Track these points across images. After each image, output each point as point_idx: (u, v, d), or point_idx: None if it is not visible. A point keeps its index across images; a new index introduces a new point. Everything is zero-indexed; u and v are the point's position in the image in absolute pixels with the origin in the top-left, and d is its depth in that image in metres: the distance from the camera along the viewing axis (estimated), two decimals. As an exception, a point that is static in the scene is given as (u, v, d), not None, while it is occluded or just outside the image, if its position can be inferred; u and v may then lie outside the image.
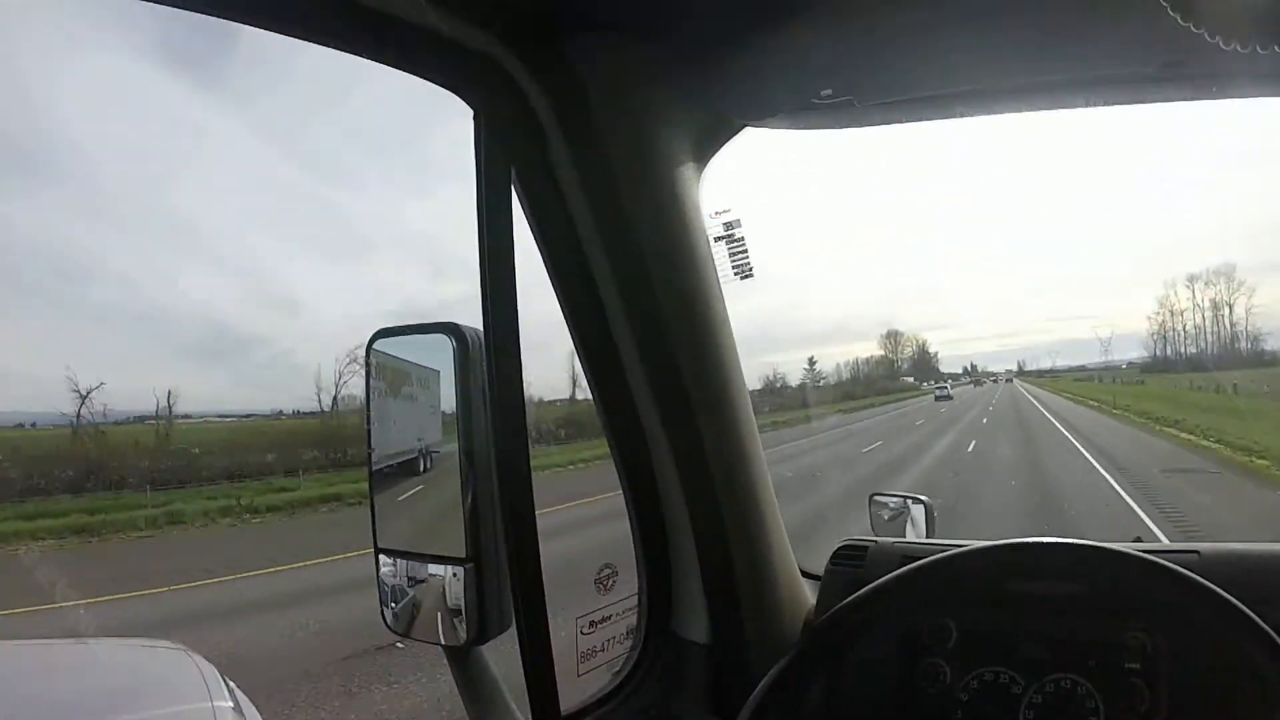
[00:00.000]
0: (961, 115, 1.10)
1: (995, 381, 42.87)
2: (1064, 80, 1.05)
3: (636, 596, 1.18)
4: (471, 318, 0.83)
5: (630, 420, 1.09)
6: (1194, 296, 29.89)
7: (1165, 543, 1.23)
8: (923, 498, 1.62)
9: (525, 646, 0.85)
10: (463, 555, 0.82)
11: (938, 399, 31.01)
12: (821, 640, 1.08)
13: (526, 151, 0.94)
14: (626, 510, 1.16)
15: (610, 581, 1.26)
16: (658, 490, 1.12)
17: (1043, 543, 1.01)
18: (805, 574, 1.29)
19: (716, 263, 1.11)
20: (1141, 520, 7.99)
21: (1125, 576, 0.98)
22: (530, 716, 0.88)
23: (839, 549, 1.27)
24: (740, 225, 1.27)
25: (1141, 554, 0.97)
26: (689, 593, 1.15)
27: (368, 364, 0.90)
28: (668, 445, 1.08)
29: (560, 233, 1.00)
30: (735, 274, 1.24)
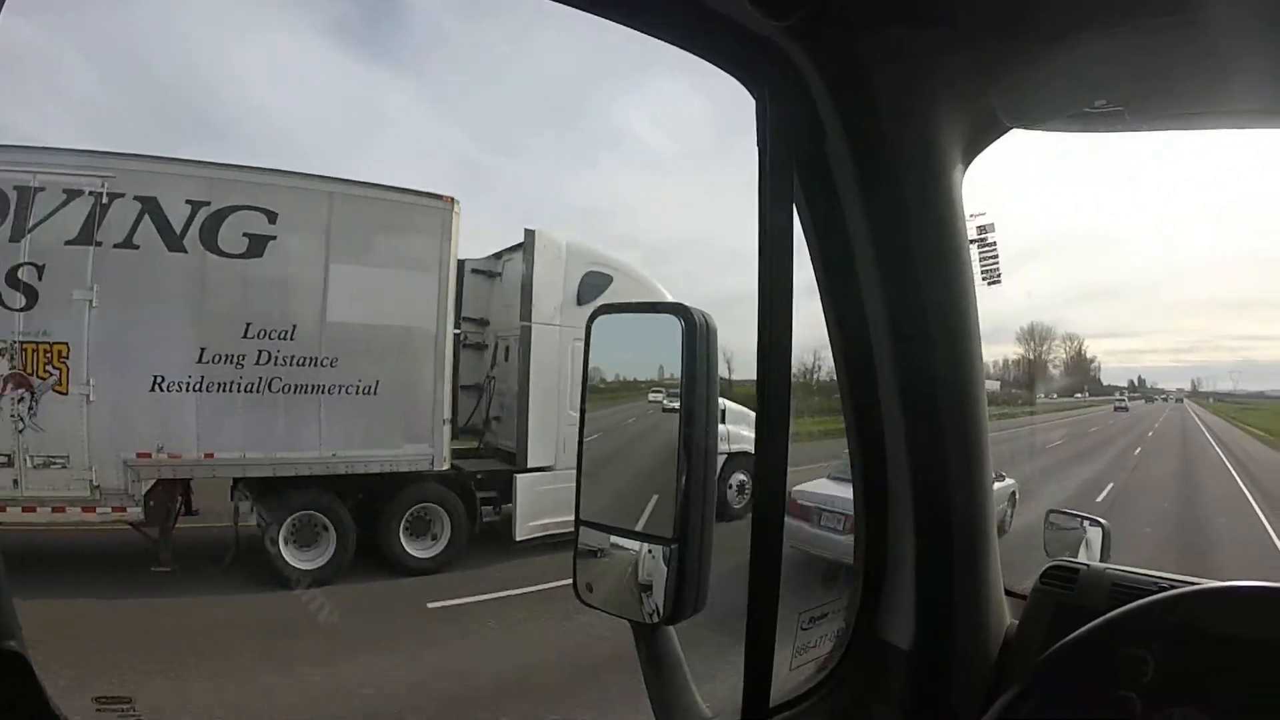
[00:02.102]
0: (1228, 127, 1.10)
1: (1165, 400, 45.07)
2: None
3: (850, 596, 1.18)
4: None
5: (874, 420, 1.10)
6: None
7: None
8: (1101, 520, 1.65)
9: (751, 635, 0.89)
10: (669, 535, 0.82)
11: (1116, 409, 36.23)
12: (1052, 670, 1.02)
13: (806, 142, 0.95)
14: (854, 509, 1.18)
15: (837, 578, 1.53)
16: (888, 494, 1.12)
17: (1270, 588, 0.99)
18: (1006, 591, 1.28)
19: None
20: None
21: None
22: (738, 701, 0.92)
23: (1049, 569, 1.26)
24: (994, 229, 1.26)
25: None
26: (901, 599, 1.14)
27: (587, 341, 0.89)
28: (906, 450, 1.09)
29: (831, 225, 1.01)
30: (984, 279, 1.21)
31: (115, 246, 5.25)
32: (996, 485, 4.53)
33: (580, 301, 6.51)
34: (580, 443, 0.91)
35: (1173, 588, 1.08)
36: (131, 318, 5.25)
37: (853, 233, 1.00)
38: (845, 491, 3.68)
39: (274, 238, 5.60)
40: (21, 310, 5.05)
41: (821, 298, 1.06)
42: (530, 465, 6.35)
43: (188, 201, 5.40)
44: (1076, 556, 1.54)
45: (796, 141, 0.92)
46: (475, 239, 7.32)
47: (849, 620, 1.19)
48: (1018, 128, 1.09)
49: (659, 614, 0.84)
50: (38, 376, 5.06)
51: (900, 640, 1.14)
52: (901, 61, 0.92)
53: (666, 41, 0.85)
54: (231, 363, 5.45)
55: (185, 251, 5.38)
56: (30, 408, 5.04)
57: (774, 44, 0.86)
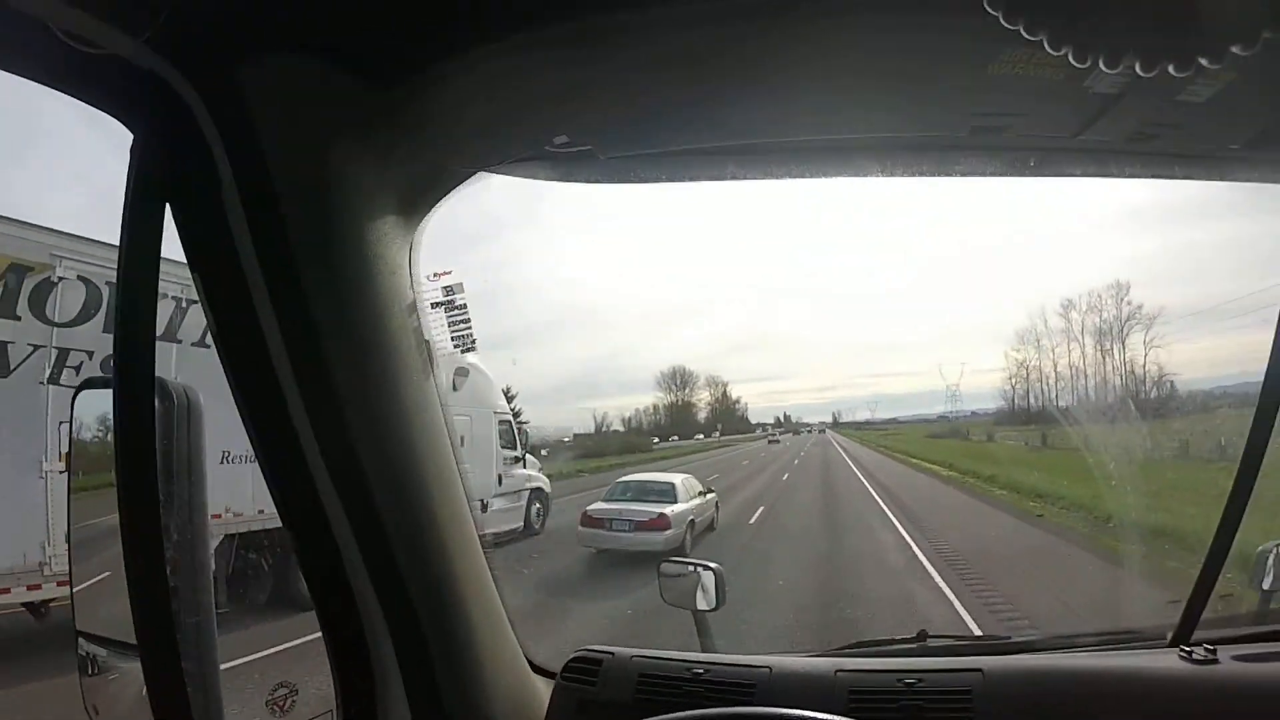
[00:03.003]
0: (734, 177, 0.99)
1: (810, 431, 50.65)
2: (856, 142, 0.97)
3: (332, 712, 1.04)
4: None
5: (317, 520, 0.95)
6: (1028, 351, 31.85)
7: (976, 630, 1.32)
8: (712, 565, 1.63)
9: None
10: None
11: (770, 443, 41.48)
12: None
13: (190, 189, 0.78)
14: (317, 618, 1.01)
15: (287, 702, 1.05)
16: (352, 592, 0.97)
17: (760, 714, 1.02)
18: (538, 669, 1.23)
19: (433, 332, 0.94)
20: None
21: None
22: None
23: (571, 661, 1.22)
24: (462, 290, 1.23)
25: None
26: (394, 704, 1.01)
27: (71, 420, 0.93)
28: (356, 545, 0.95)
29: (230, 297, 0.83)
30: (456, 346, 1.08)
31: (192, 345, 6.69)
32: (705, 497, 10.73)
33: (454, 390, 10.18)
34: (69, 538, 0.91)
35: (698, 675, 1.13)
36: (206, 404, 6.73)
37: (256, 303, 0.82)
38: (621, 507, 9.14)
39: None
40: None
41: (228, 377, 0.88)
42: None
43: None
44: (694, 603, 1.62)
45: (179, 185, 0.76)
46: None
47: None
48: (475, 171, 0.95)
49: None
50: None
51: None
52: (302, 94, 0.75)
53: (34, 79, 0.68)
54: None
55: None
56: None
57: (152, 74, 0.69)
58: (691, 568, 1.67)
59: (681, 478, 10.89)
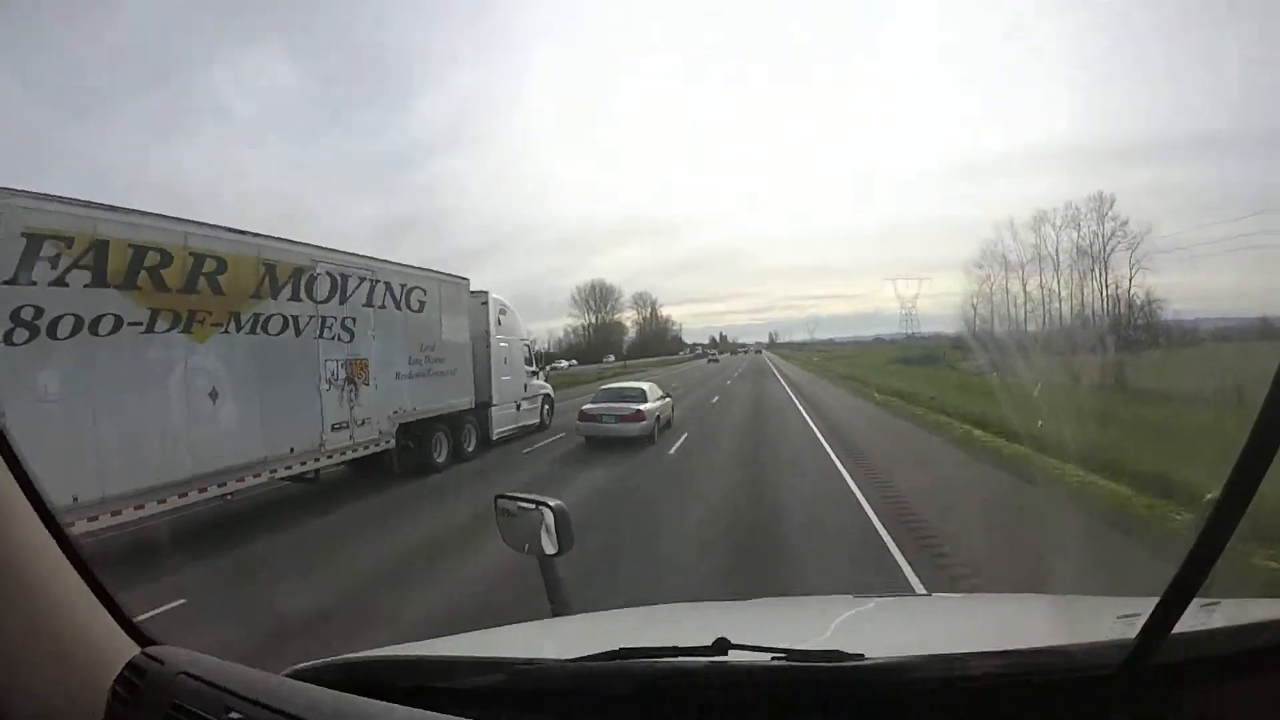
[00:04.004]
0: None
1: (747, 352, 53.20)
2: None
3: None
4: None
5: None
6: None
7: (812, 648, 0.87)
8: (550, 502, 1.49)
9: None
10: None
11: (709, 361, 45.05)
12: None
13: None
14: None
15: None
16: None
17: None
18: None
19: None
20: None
21: None
22: None
23: (127, 668, 0.95)
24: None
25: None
26: None
27: None
28: None
29: None
30: None
31: (378, 308, 10.27)
32: (664, 400, 15.75)
33: (499, 325, 14.04)
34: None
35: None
36: (387, 345, 10.39)
37: None
38: (607, 406, 13.51)
39: (425, 302, 11.36)
40: (348, 343, 9.71)
41: None
42: (493, 403, 13.67)
43: (400, 285, 10.74)
44: (539, 545, 1.46)
45: None
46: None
47: None
48: None
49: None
50: (357, 376, 9.87)
51: None
52: None
53: None
54: (420, 363, 11.12)
55: (400, 310, 10.71)
56: (354, 392, 9.82)
57: None
58: (533, 505, 1.51)
59: (649, 384, 14.92)
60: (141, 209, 6.90)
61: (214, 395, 7.45)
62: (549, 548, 1.48)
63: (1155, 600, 0.72)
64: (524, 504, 1.55)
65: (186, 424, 7.10)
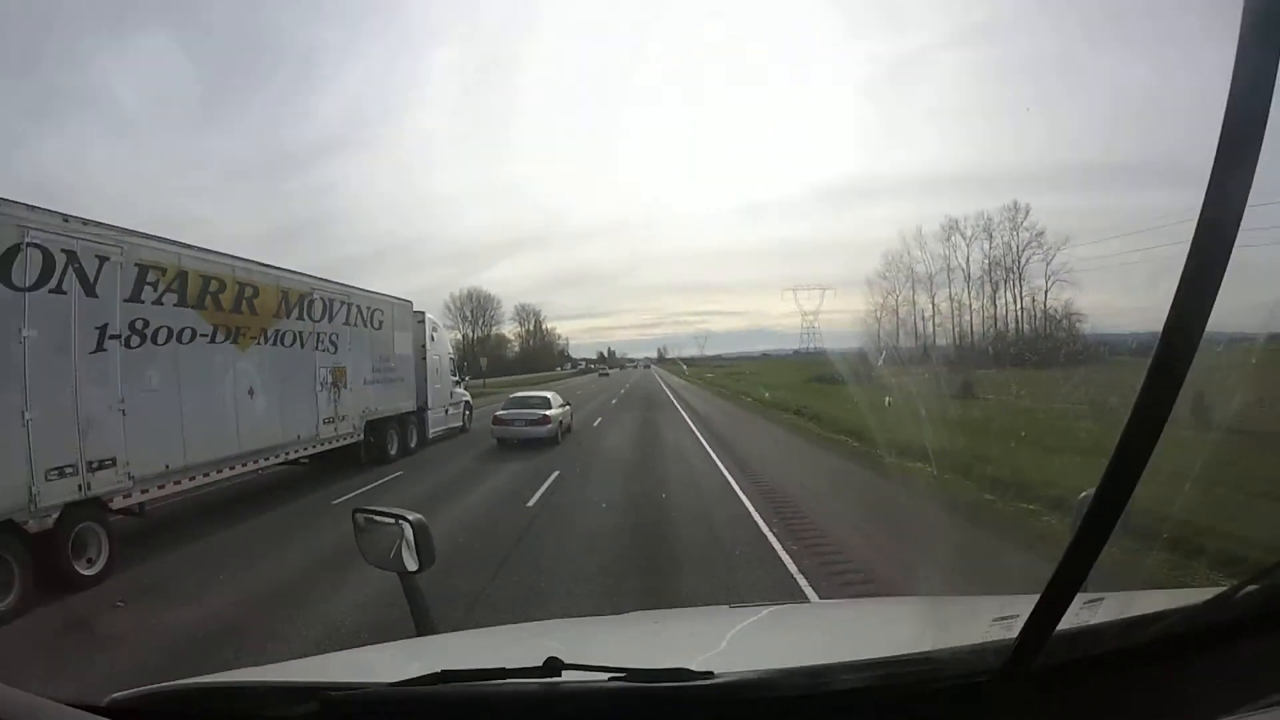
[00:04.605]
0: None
1: (635, 366, 54.25)
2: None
3: None
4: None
5: None
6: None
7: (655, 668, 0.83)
8: (410, 516, 1.44)
9: None
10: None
11: (600, 375, 45.95)
12: None
13: None
14: None
15: None
16: None
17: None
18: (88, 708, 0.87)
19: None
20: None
21: None
22: None
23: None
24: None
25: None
26: None
27: None
28: None
29: None
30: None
31: (353, 326, 12.59)
32: (565, 407, 19.05)
33: (433, 340, 16.46)
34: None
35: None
36: (359, 356, 12.69)
37: None
38: (517, 412, 16.38)
39: (384, 321, 13.70)
40: (333, 354, 11.97)
41: None
42: (429, 407, 16.03)
43: (367, 307, 13.08)
44: (401, 563, 1.41)
45: None
46: None
47: None
48: None
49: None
50: (339, 381, 12.13)
51: None
52: None
53: None
54: (380, 372, 13.44)
55: (367, 327, 13.03)
56: (338, 394, 12.07)
57: None
58: (392, 519, 1.46)
59: (551, 394, 17.43)
60: (208, 246, 9.05)
61: (251, 392, 9.60)
62: (410, 564, 1.42)
63: (1035, 598, 0.70)
64: (382, 518, 1.50)
65: (235, 413, 9.23)
